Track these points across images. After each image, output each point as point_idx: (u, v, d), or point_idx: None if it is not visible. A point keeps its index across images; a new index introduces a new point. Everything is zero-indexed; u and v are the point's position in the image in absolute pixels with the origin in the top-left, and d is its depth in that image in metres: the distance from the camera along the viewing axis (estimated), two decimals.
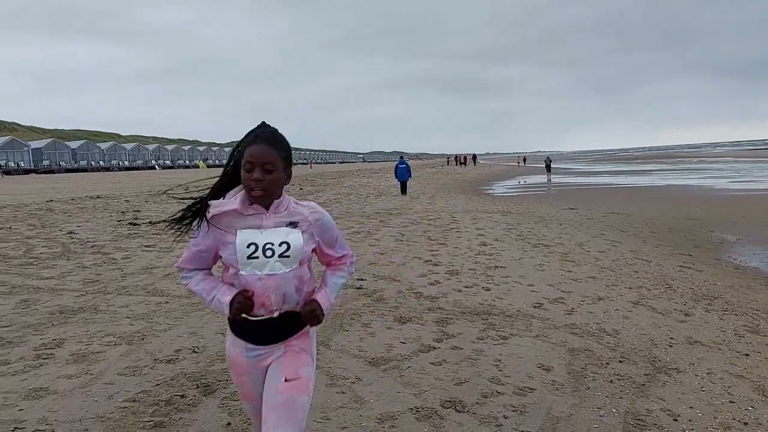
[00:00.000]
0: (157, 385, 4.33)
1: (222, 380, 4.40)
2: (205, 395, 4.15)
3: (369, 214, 16.92)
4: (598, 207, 20.80)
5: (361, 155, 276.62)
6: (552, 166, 47.21)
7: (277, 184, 2.26)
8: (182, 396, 4.12)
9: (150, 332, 5.56)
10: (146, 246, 10.69)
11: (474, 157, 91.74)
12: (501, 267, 8.79)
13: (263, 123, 2.35)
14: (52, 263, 9.10)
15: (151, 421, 3.75)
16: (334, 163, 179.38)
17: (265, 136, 2.27)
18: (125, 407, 3.95)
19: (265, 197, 2.25)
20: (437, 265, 8.87)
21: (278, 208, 2.31)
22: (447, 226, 13.77)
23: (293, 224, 2.31)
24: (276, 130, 2.32)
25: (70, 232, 12.77)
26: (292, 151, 2.43)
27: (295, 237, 2.30)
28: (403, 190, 25.82)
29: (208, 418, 3.81)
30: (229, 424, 3.73)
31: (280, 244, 2.27)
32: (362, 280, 7.85)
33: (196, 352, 5.03)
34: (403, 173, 25.88)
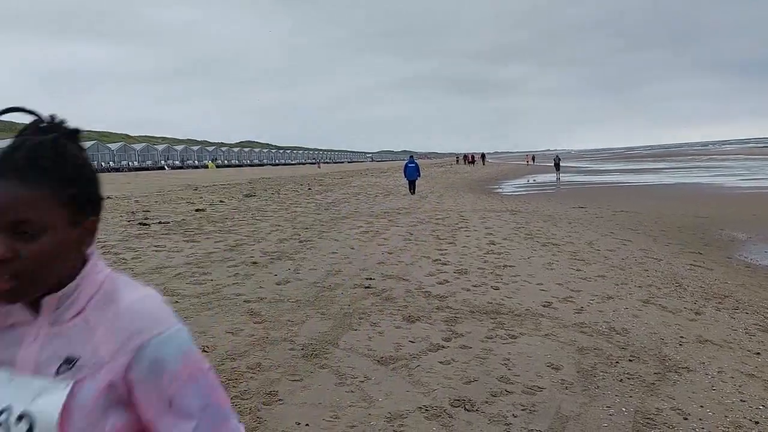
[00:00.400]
0: None
1: (232, 379, 4.42)
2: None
3: (377, 213, 16.91)
4: (607, 205, 20.73)
5: (370, 155, 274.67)
6: (561, 164, 47.08)
7: (50, 261, 1.00)
8: None
9: None
10: (156, 246, 10.75)
11: (483, 156, 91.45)
12: (510, 266, 8.77)
13: (27, 126, 1.05)
14: None
15: None
16: (342, 162, 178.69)
17: (11, 160, 0.99)
18: None
19: (21, 292, 1.00)
20: (446, 264, 8.87)
21: (62, 309, 1.04)
22: (455, 225, 13.76)
23: (69, 363, 1.02)
24: (50, 140, 1.02)
25: None
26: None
27: (51, 403, 0.99)
28: (412, 189, 25.84)
29: None
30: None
31: (19, 419, 0.99)
32: (371, 279, 7.87)
33: (206, 351, 5.06)
34: (412, 172, 25.91)
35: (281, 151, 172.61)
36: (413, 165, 26.12)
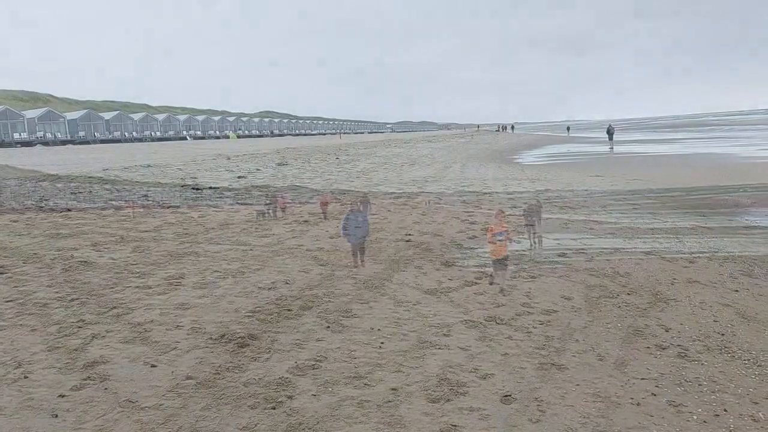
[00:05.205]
0: (267, 303, 5.67)
1: (314, 301, 5.71)
2: (304, 310, 5.48)
3: (406, 181, 18.17)
4: (622, 173, 21.42)
5: (390, 126, 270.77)
6: (614, 133, 50.95)
7: None
8: (289, 310, 5.45)
9: (246, 269, 6.91)
10: (214, 207, 12.09)
11: (512, 126, 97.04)
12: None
13: None
14: (142, 220, 10.56)
15: (268, 321, 5.08)
16: (362, 133, 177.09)
17: None
18: (250, 316, 5.30)
19: None
20: (473, 223, 10.10)
21: None
22: (480, 191, 14.93)
23: None
24: None
25: (144, 196, 14.27)
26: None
27: None
28: (360, 256, 17.26)
29: (312, 324, 5.14)
30: (329, 327, 5.05)
31: None
32: (410, 235, 9.14)
33: (287, 283, 6.36)
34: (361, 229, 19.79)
35: (300, 121, 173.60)
36: (361, 217, 19.93)
